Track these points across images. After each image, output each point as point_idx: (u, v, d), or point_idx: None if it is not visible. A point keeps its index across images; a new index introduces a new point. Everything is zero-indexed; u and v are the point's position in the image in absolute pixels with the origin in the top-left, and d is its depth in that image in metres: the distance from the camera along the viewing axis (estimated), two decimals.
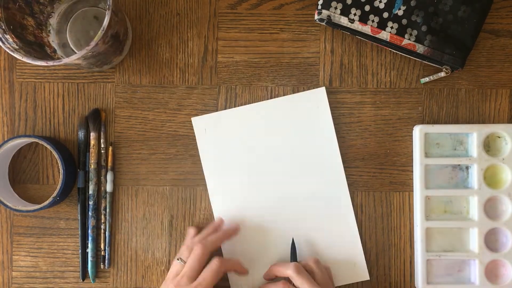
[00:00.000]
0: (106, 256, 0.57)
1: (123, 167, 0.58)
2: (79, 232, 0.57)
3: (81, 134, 0.57)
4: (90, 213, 0.57)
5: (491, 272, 0.56)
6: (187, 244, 0.53)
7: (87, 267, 0.57)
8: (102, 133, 0.58)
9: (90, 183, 0.57)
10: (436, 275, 0.57)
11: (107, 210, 0.57)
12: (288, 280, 0.52)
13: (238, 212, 0.57)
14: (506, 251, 0.56)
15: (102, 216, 0.57)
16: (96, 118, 0.57)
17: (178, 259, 0.52)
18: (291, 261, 0.55)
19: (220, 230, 0.55)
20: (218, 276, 0.51)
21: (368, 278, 0.57)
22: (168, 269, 0.57)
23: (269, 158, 0.57)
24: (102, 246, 0.58)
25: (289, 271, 0.52)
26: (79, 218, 0.57)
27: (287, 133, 0.57)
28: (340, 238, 0.57)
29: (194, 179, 0.58)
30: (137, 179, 0.58)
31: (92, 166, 0.57)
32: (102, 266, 0.58)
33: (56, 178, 0.58)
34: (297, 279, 0.51)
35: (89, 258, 0.57)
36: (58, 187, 0.54)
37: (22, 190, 0.58)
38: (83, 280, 0.57)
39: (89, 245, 0.57)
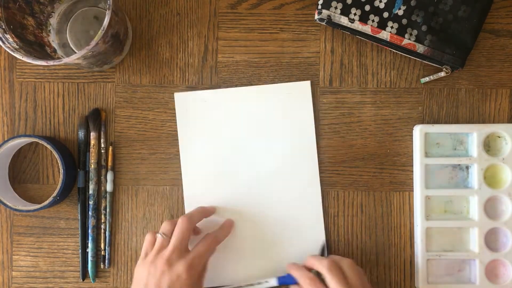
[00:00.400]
0: (106, 256, 0.57)
1: (123, 167, 0.58)
2: (79, 232, 0.57)
3: (81, 134, 0.57)
4: (90, 213, 0.57)
5: (491, 272, 0.56)
6: (168, 222, 0.52)
7: (87, 267, 0.57)
8: (102, 133, 0.58)
9: (90, 183, 0.57)
10: (436, 275, 0.57)
11: (107, 210, 0.57)
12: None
13: (211, 195, 0.57)
14: (506, 251, 0.56)
15: (102, 216, 0.57)
16: (96, 118, 0.57)
17: (160, 234, 0.51)
18: (319, 253, 0.55)
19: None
20: (212, 249, 0.51)
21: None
22: None
23: (246, 142, 0.58)
24: (102, 246, 0.58)
25: (322, 266, 0.51)
26: (79, 218, 0.57)
27: (267, 119, 0.57)
28: (306, 221, 0.57)
29: None
30: (137, 179, 0.58)
31: (92, 166, 0.57)
32: (102, 266, 0.58)
33: (56, 178, 0.58)
34: (328, 276, 0.50)
35: (89, 258, 0.57)
36: (58, 187, 0.54)
37: (22, 190, 0.58)
38: (83, 280, 0.57)
39: (89, 245, 0.57)
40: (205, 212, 0.55)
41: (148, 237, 0.52)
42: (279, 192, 0.57)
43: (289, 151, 0.57)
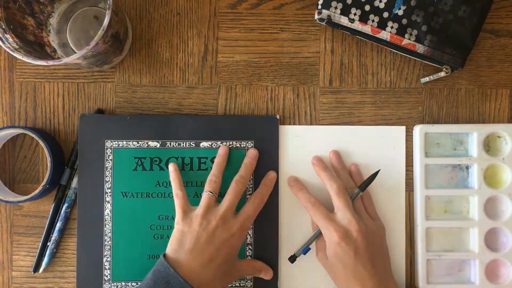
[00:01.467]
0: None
1: None
2: (46, 225, 0.57)
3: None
4: (63, 209, 0.57)
5: (491, 272, 0.56)
6: (213, 179, 0.53)
7: (43, 258, 0.57)
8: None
9: (72, 180, 0.57)
10: (436, 275, 0.57)
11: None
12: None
13: None
14: (506, 251, 0.56)
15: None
16: None
17: (209, 192, 0.52)
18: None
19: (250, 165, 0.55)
20: (259, 208, 0.53)
21: None
22: None
23: None
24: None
25: (330, 189, 0.52)
26: (50, 213, 0.57)
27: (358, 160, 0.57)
28: None
29: None
30: None
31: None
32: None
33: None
34: (335, 200, 0.52)
35: (49, 250, 0.57)
36: (47, 175, 0.54)
37: (22, 190, 0.58)
38: (34, 272, 0.57)
39: (54, 236, 0.57)
40: (253, 167, 0.55)
41: (178, 195, 0.52)
42: None
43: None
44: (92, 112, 0.58)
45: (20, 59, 0.48)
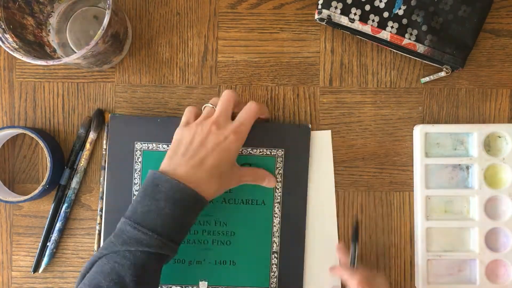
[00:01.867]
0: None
1: None
2: (46, 226, 0.57)
3: (81, 132, 0.57)
4: (63, 209, 0.57)
5: (492, 272, 0.56)
6: (215, 98, 0.54)
7: (43, 258, 0.57)
8: (105, 133, 0.58)
9: (72, 180, 0.57)
10: (436, 275, 0.56)
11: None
12: None
13: None
14: (506, 251, 0.56)
15: (98, 217, 0.57)
16: (99, 119, 0.57)
17: (209, 105, 0.52)
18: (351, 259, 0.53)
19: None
20: (254, 118, 0.52)
21: None
22: None
23: None
24: (95, 247, 0.57)
25: (352, 281, 0.50)
26: (50, 212, 0.57)
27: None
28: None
29: None
30: None
31: (81, 164, 0.57)
32: None
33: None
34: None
35: (48, 250, 0.57)
36: (47, 175, 0.54)
37: (21, 190, 0.58)
38: (33, 272, 0.57)
39: (53, 236, 0.57)
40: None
41: (189, 108, 0.53)
42: None
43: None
44: (92, 112, 0.58)
45: (20, 59, 0.48)
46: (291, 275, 0.56)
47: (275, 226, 0.56)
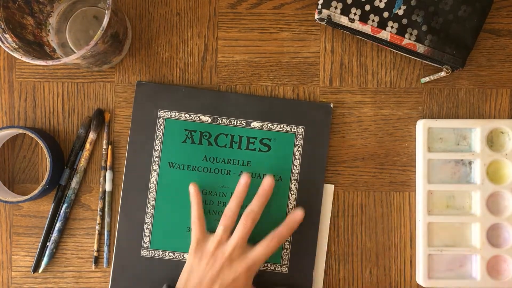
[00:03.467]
0: (105, 256, 0.57)
1: (123, 167, 0.58)
2: (45, 225, 0.57)
3: (81, 132, 0.57)
4: (63, 209, 0.57)
5: (493, 268, 0.56)
6: (228, 213, 0.52)
7: (43, 258, 0.57)
8: (105, 133, 0.58)
9: (72, 180, 0.57)
10: (437, 270, 0.56)
11: (106, 209, 0.57)
12: None
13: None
14: (508, 247, 0.56)
15: (98, 217, 0.57)
16: (100, 119, 0.57)
17: (222, 227, 0.51)
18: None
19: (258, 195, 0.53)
20: (273, 251, 0.51)
21: None
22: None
23: None
24: (95, 247, 0.57)
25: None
26: (50, 212, 0.57)
27: None
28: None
29: None
30: None
31: (81, 164, 0.57)
32: (93, 266, 0.57)
33: None
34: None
35: (48, 250, 0.57)
36: (46, 175, 0.54)
37: (21, 190, 0.58)
38: (33, 272, 0.57)
39: (53, 236, 0.57)
40: (267, 198, 0.53)
41: (196, 224, 0.53)
42: None
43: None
44: (92, 112, 0.57)
45: (19, 59, 0.47)
46: (303, 253, 0.56)
47: (290, 203, 0.56)
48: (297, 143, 0.56)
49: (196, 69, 0.58)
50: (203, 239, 0.52)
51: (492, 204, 0.57)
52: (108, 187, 0.57)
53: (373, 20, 0.55)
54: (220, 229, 0.52)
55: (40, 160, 0.58)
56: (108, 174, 0.57)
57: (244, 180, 0.53)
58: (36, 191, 0.54)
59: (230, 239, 0.51)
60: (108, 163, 0.57)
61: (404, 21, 0.55)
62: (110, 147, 0.57)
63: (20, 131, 0.55)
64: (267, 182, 0.53)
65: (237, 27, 0.58)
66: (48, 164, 0.54)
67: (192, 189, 0.54)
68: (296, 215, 0.53)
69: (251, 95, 0.57)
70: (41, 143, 0.54)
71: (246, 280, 0.50)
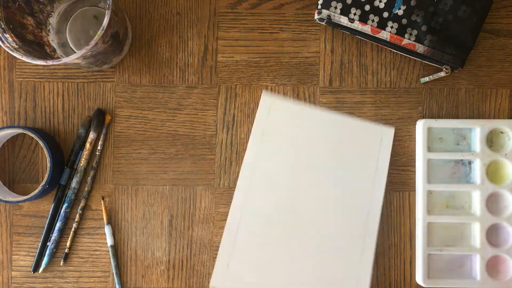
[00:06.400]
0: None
1: (123, 166, 0.58)
2: (45, 225, 0.57)
3: (81, 132, 0.57)
4: (63, 208, 0.57)
5: (493, 268, 0.56)
6: None
7: (43, 257, 0.57)
8: (102, 135, 0.58)
9: (72, 180, 0.57)
10: (437, 270, 0.57)
11: (113, 266, 0.57)
12: None
13: (259, 204, 0.56)
14: (507, 247, 0.56)
15: (77, 216, 0.57)
16: (100, 119, 0.57)
17: None
18: None
19: None
20: None
21: None
22: (168, 269, 0.57)
23: (310, 167, 0.56)
24: (68, 244, 0.57)
25: None
26: (50, 212, 0.57)
27: (338, 153, 0.57)
28: (350, 267, 0.55)
29: (194, 179, 0.58)
30: (136, 179, 0.58)
31: (81, 164, 0.57)
32: (62, 263, 0.58)
33: None
34: None
35: (48, 250, 0.57)
36: (46, 175, 0.54)
37: (21, 190, 0.58)
38: (33, 272, 0.57)
39: (53, 236, 0.57)
40: None
41: None
42: (328, 233, 0.56)
43: (353, 194, 0.56)
44: (92, 112, 0.57)
45: (20, 59, 0.48)
46: None
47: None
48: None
49: (196, 69, 0.58)
50: None
51: (492, 204, 0.57)
52: (109, 241, 0.57)
53: (373, 20, 0.55)
54: None
55: (40, 160, 0.58)
56: (107, 229, 0.57)
57: None
58: (36, 191, 0.54)
59: None
60: (105, 219, 0.57)
61: (404, 21, 0.55)
62: (103, 201, 0.57)
63: (20, 131, 0.55)
64: None
65: (237, 27, 0.58)
66: (48, 164, 0.54)
67: None
68: None
69: None
70: (41, 143, 0.54)
71: None
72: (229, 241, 0.56)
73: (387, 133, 0.57)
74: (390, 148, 0.57)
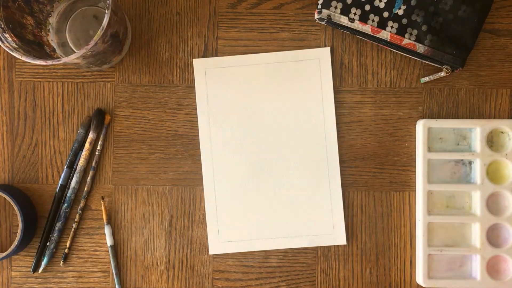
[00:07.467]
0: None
1: (123, 166, 0.58)
2: (45, 225, 0.57)
3: (80, 132, 0.57)
4: (63, 208, 0.57)
5: (493, 268, 0.56)
6: None
7: (43, 258, 0.57)
8: (102, 135, 0.58)
9: (72, 180, 0.57)
10: (437, 270, 0.56)
11: (113, 266, 0.57)
12: None
13: (226, 167, 0.58)
14: (508, 247, 0.56)
15: (77, 216, 0.57)
16: (99, 119, 0.57)
17: None
18: None
19: None
20: None
21: (345, 243, 0.57)
22: (167, 269, 0.57)
23: (262, 115, 0.57)
24: (67, 244, 0.57)
25: None
26: (50, 212, 0.57)
27: (283, 91, 0.57)
28: (323, 200, 0.57)
29: (193, 179, 0.58)
30: (136, 179, 0.58)
31: (81, 164, 0.57)
32: (62, 263, 0.58)
33: (56, 178, 0.58)
34: None
35: (48, 250, 0.57)
36: (18, 236, 0.54)
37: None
38: (33, 272, 0.57)
39: (53, 236, 0.57)
40: None
41: None
42: (293, 165, 0.58)
43: (307, 124, 0.57)
44: (91, 112, 0.57)
45: (19, 59, 0.47)
46: None
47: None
48: None
49: None
50: None
51: (492, 204, 0.57)
52: (109, 241, 0.57)
53: (373, 20, 0.55)
54: None
55: (40, 160, 0.58)
56: (107, 229, 0.57)
57: None
58: (9, 251, 0.53)
59: None
60: (105, 219, 0.57)
61: (404, 21, 0.55)
62: (103, 201, 0.57)
63: None
64: None
65: (237, 27, 0.58)
66: (20, 225, 0.54)
67: None
68: None
69: None
70: (15, 207, 0.54)
71: None
72: (212, 210, 0.57)
73: (324, 54, 0.57)
74: (330, 67, 0.57)
